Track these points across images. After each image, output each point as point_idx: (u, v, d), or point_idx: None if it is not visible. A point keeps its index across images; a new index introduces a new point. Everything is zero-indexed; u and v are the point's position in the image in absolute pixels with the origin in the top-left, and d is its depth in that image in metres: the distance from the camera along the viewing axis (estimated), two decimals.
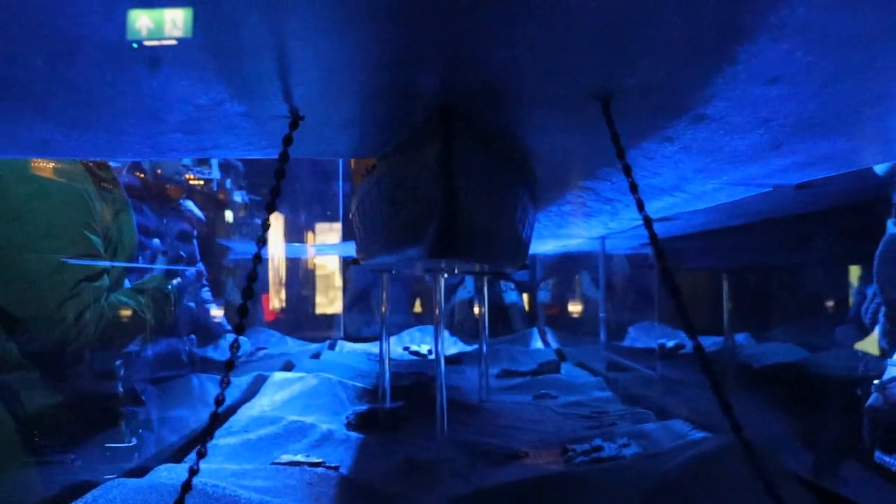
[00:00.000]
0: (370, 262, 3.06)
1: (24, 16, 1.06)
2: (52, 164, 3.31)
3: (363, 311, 8.63)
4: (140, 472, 2.84)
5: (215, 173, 6.38)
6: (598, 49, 1.22)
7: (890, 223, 3.38)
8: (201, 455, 1.79)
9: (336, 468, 3.00)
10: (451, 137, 1.55)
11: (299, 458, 3.08)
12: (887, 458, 2.88)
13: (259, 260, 1.53)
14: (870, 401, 2.94)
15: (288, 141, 1.46)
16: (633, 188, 1.43)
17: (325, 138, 1.79)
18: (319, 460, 3.05)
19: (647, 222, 1.63)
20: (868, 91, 1.46)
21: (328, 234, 8.85)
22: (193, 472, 1.81)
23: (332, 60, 1.27)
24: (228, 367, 2.01)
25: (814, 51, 1.23)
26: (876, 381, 2.94)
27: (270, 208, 1.44)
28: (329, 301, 9.43)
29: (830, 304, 5.65)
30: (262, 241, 1.49)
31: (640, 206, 1.45)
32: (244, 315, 1.89)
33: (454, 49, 1.21)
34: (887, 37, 1.18)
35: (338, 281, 9.14)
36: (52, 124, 1.59)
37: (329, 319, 8.89)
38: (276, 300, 8.74)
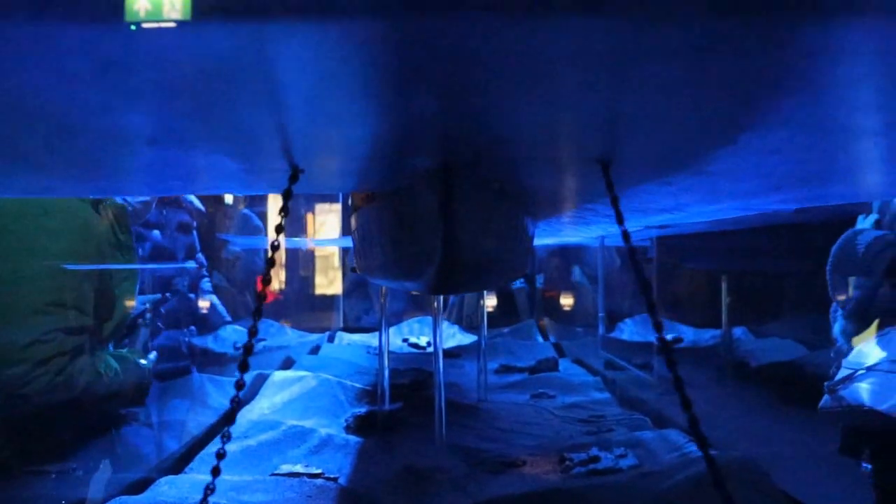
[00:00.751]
0: (368, 277, 3.07)
1: (27, 107, 1.06)
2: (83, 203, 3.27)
3: (362, 298, 8.62)
4: (141, 484, 2.86)
5: None
6: (599, 127, 1.22)
7: (860, 218, 3.33)
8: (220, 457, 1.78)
9: (335, 479, 3.03)
10: (451, 186, 1.56)
11: (298, 468, 3.10)
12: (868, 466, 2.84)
13: (263, 298, 1.53)
14: (821, 403, 2.87)
15: (288, 195, 1.47)
16: (632, 253, 1.44)
17: (325, 182, 1.80)
18: (319, 471, 3.07)
19: (631, 253, 1.64)
20: (867, 156, 1.47)
21: (327, 227, 8.81)
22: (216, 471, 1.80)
23: (332, 132, 1.27)
24: (238, 390, 1.97)
25: (815, 136, 1.23)
26: (826, 383, 2.87)
27: (271, 263, 1.45)
28: (329, 282, 9.41)
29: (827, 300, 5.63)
30: (264, 295, 1.50)
31: (633, 259, 1.45)
32: (253, 336, 1.85)
33: (454, 123, 1.21)
34: (888, 129, 1.18)
35: (337, 261, 9.11)
36: (54, 177, 1.60)
37: (329, 301, 8.87)
38: (275, 282, 8.71)
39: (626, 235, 1.38)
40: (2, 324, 3.04)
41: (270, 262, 1.42)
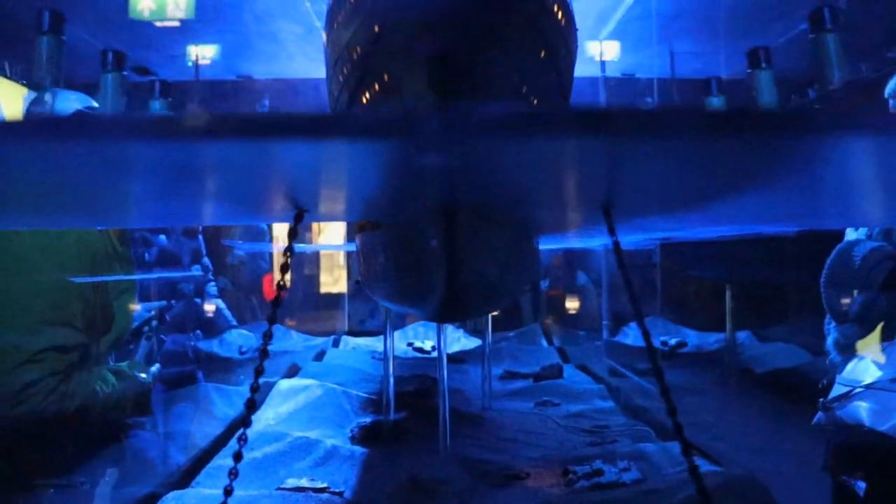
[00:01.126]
0: (372, 296, 3.09)
1: (44, 183, 1.08)
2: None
3: (367, 300, 8.61)
4: (148, 499, 2.88)
5: None
6: (600, 188, 1.24)
7: (850, 229, 3.31)
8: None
9: (341, 493, 3.05)
10: (455, 221, 1.57)
11: (304, 482, 3.11)
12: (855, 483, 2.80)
13: (270, 338, 1.55)
14: (815, 419, 2.84)
15: (293, 235, 1.49)
16: (629, 286, 1.45)
17: (328, 216, 1.82)
18: (324, 485, 3.09)
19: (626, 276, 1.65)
20: (860, 202, 1.49)
21: (332, 227, 8.81)
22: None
23: (338, 188, 1.29)
24: (252, 399, 1.99)
25: (809, 193, 1.25)
26: (821, 399, 2.84)
27: (277, 303, 1.47)
28: (334, 280, 9.42)
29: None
30: (272, 320, 1.52)
31: (629, 289, 1.47)
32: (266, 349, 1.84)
33: (459, 182, 1.23)
34: (880, 186, 1.20)
35: (342, 259, 9.11)
36: (61, 213, 1.61)
37: (334, 300, 8.87)
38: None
39: (628, 284, 1.40)
40: None
41: (276, 302, 1.45)
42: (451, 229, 1.53)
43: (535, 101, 1.79)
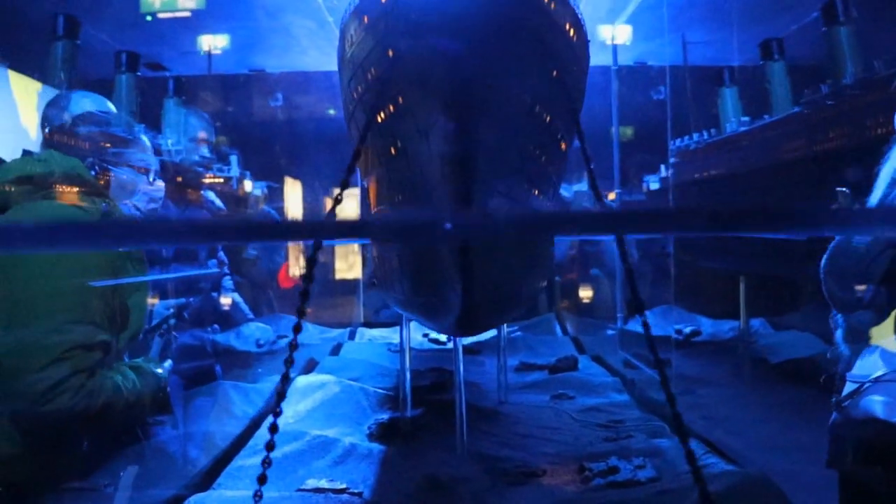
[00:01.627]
0: (389, 302, 3.12)
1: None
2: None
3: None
4: (172, 502, 2.93)
5: (235, 171, 6.42)
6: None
7: None
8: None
9: (360, 494, 3.09)
10: (470, 251, 1.60)
11: (323, 483, 3.16)
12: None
13: (294, 354, 1.59)
14: (831, 420, 2.82)
15: (313, 261, 1.52)
16: (643, 316, 1.48)
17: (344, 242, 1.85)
18: (343, 486, 3.13)
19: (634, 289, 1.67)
20: None
21: (345, 214, 8.82)
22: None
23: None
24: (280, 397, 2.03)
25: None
26: (833, 399, 2.82)
27: (298, 329, 1.51)
28: (349, 266, 9.44)
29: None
30: (301, 313, 1.55)
31: (641, 310, 1.49)
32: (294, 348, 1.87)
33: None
34: None
35: (356, 245, 9.11)
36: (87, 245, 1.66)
37: (349, 286, 8.89)
38: (295, 268, 8.72)
39: (641, 318, 1.43)
40: (20, 346, 3.05)
41: (297, 328, 1.48)
42: (466, 251, 1.55)
43: (548, 119, 1.81)
